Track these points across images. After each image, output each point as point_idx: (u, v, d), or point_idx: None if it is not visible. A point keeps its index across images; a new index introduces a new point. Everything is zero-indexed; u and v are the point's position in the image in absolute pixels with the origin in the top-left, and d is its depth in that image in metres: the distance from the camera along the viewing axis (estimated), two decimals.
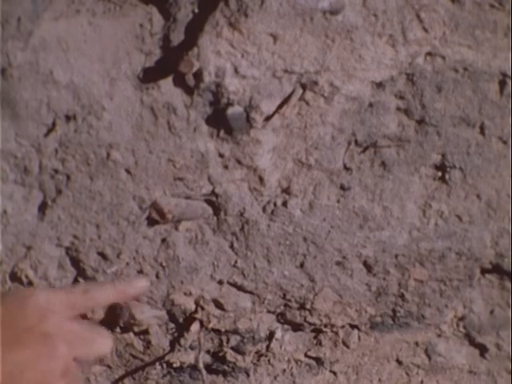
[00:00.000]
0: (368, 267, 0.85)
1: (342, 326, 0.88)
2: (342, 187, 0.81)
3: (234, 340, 0.88)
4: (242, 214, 0.81)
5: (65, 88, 0.73)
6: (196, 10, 0.73)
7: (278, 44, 0.74)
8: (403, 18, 0.74)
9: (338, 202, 0.82)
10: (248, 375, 0.90)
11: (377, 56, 0.75)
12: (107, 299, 0.62)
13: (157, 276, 0.82)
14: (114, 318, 0.84)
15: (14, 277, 0.80)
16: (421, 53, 0.76)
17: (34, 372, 0.64)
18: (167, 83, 0.74)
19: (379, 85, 0.77)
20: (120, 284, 0.64)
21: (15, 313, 0.62)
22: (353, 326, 0.89)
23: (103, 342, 0.62)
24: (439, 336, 0.91)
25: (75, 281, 0.82)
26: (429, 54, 0.76)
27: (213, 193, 0.80)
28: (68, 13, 0.71)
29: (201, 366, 0.88)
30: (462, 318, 0.89)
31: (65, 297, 0.62)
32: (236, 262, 0.83)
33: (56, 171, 0.75)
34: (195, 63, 0.73)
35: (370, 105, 0.78)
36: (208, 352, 0.89)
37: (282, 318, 0.87)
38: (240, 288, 0.85)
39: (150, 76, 0.74)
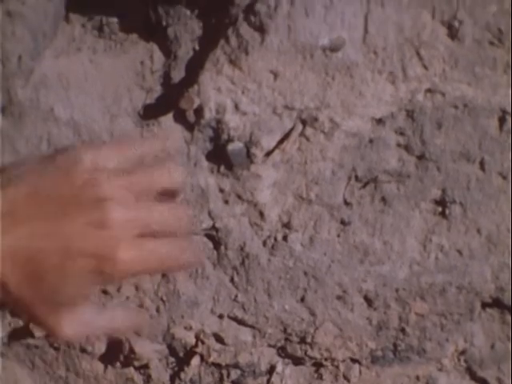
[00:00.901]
0: (369, 301, 0.84)
1: (343, 360, 0.87)
2: (343, 222, 0.80)
3: (235, 374, 0.86)
4: (242, 249, 0.80)
5: (65, 124, 0.72)
6: (197, 48, 0.72)
7: (278, 81, 0.73)
8: (403, 55, 0.73)
9: (339, 236, 0.81)
10: None
11: (377, 92, 0.75)
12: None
13: (157, 310, 0.81)
14: (114, 353, 0.83)
15: (14, 312, 0.79)
16: (421, 89, 0.75)
17: (86, 243, 0.60)
18: (168, 119, 0.74)
19: (379, 121, 0.76)
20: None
21: (60, 182, 0.59)
22: (354, 360, 0.87)
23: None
24: (440, 370, 0.89)
25: None
26: (429, 90, 0.75)
27: (213, 227, 0.79)
28: (69, 50, 0.71)
29: None
30: (462, 352, 0.88)
31: (115, 156, 0.59)
32: (236, 296, 0.82)
33: None
34: (196, 100, 0.72)
35: (370, 140, 0.77)
36: None
37: (282, 351, 0.86)
38: (240, 322, 0.83)
39: (150, 112, 0.74)
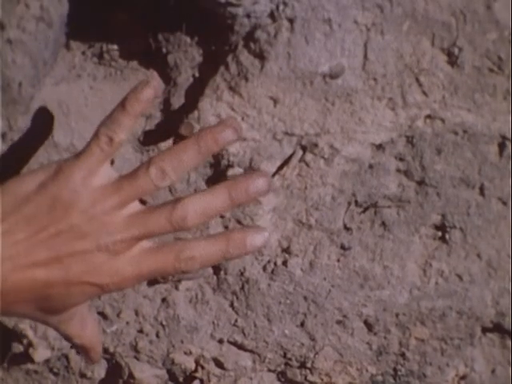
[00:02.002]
0: (369, 326, 0.83)
1: None
2: (343, 247, 0.79)
3: None
4: (242, 274, 0.79)
5: (65, 151, 0.71)
6: (196, 74, 0.72)
7: (278, 107, 0.72)
8: (403, 81, 0.73)
9: (339, 261, 0.80)
10: None
11: (376, 119, 0.74)
12: None
13: (157, 335, 0.80)
14: (114, 378, 0.82)
15: (14, 337, 0.78)
16: (420, 116, 0.74)
17: (87, 272, 0.61)
18: (168, 146, 0.73)
19: (379, 147, 0.75)
20: None
21: (59, 212, 0.60)
22: None
23: None
24: None
25: None
26: (428, 116, 0.75)
27: None
28: (69, 78, 0.71)
29: None
30: (463, 377, 0.87)
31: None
32: (236, 320, 0.81)
33: None
34: (195, 126, 0.72)
35: (370, 166, 0.76)
36: None
37: (282, 376, 0.85)
38: (240, 347, 0.82)
39: (150, 139, 0.73)
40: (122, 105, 0.62)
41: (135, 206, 0.62)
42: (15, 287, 0.59)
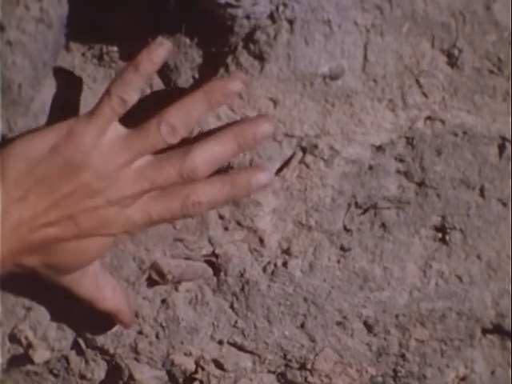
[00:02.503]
0: (368, 327, 0.83)
1: None
2: (342, 248, 0.79)
3: None
4: (242, 275, 0.79)
5: None
6: (196, 76, 0.71)
7: (278, 108, 0.72)
8: (403, 83, 0.73)
9: (339, 262, 0.80)
10: None
11: (376, 120, 0.74)
12: None
13: (157, 336, 0.80)
14: (114, 379, 0.82)
15: (14, 338, 0.78)
16: (420, 117, 0.74)
17: (99, 224, 0.63)
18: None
19: (379, 148, 0.75)
20: None
21: (66, 173, 0.62)
22: None
23: None
24: None
25: (75, 342, 0.80)
26: (428, 118, 0.74)
27: (213, 254, 0.78)
28: None
29: None
30: (463, 378, 0.86)
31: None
32: (236, 322, 0.81)
33: None
34: (195, 127, 0.71)
35: (370, 167, 0.76)
36: None
37: (282, 378, 0.85)
38: (240, 348, 0.82)
39: None
40: (135, 65, 0.62)
41: (144, 158, 0.63)
42: (28, 245, 0.60)
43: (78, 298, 0.69)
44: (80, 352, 0.80)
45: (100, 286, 0.70)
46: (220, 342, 0.82)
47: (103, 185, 0.62)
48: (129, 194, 0.63)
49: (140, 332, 0.80)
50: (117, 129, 0.63)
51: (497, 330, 0.85)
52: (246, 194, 0.70)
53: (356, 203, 0.78)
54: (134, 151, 0.63)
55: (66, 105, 0.70)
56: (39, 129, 0.66)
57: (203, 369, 0.82)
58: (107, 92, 0.63)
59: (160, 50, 0.63)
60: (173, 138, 0.64)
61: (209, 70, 0.70)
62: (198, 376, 0.83)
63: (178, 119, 0.63)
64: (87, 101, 0.70)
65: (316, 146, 0.74)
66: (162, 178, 0.64)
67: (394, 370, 0.85)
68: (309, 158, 0.75)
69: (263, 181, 0.68)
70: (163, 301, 0.79)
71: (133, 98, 0.63)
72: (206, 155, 0.65)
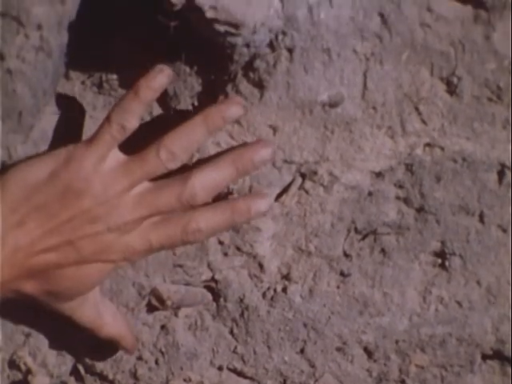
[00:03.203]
0: (368, 353, 0.82)
1: None
2: (342, 274, 0.79)
3: None
4: (241, 300, 0.78)
5: None
6: (196, 104, 0.71)
7: (277, 135, 0.72)
8: (402, 110, 0.72)
9: (338, 288, 0.79)
10: None
11: (376, 147, 0.74)
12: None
13: (156, 362, 0.80)
14: None
15: (13, 364, 0.77)
16: (420, 144, 0.74)
17: (99, 251, 0.62)
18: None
19: (378, 174, 0.75)
20: None
21: (67, 198, 0.62)
22: None
23: None
24: None
25: (74, 368, 0.79)
26: (428, 144, 0.74)
27: (212, 279, 0.77)
28: None
29: None
30: None
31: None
32: (236, 347, 0.80)
33: None
34: (195, 154, 0.71)
35: (370, 193, 0.76)
36: None
37: None
38: (240, 374, 0.82)
39: None
40: (135, 92, 0.62)
41: (144, 185, 0.63)
42: (27, 271, 0.60)
43: (78, 326, 0.69)
44: (79, 378, 0.80)
45: (100, 312, 0.69)
46: (220, 368, 0.81)
47: (103, 211, 0.62)
48: (128, 220, 0.63)
49: (139, 358, 0.79)
50: (116, 155, 0.63)
51: (497, 355, 0.84)
52: (246, 221, 0.69)
53: (355, 229, 0.77)
54: (134, 177, 0.63)
55: (68, 131, 0.70)
56: (38, 155, 0.66)
57: None
58: (107, 119, 0.63)
59: (160, 77, 0.63)
60: (173, 164, 0.64)
61: (208, 98, 0.70)
62: None
63: (178, 145, 0.63)
64: (87, 128, 0.70)
65: (315, 172, 0.74)
66: (161, 204, 0.64)
67: None
68: (308, 184, 0.74)
69: (263, 208, 0.68)
70: (163, 326, 0.79)
71: (132, 124, 0.63)
72: (204, 181, 0.64)
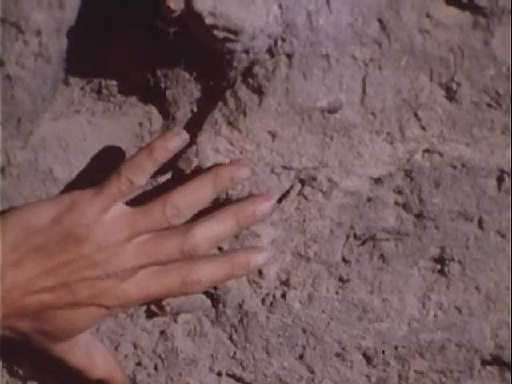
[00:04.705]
0: (368, 359, 0.81)
1: None
2: (341, 279, 0.78)
3: None
4: (240, 306, 0.78)
5: (64, 185, 0.71)
6: (195, 110, 0.71)
7: (276, 141, 0.71)
8: (401, 116, 0.72)
9: (337, 293, 0.79)
10: None
11: (375, 153, 0.73)
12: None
13: (155, 368, 0.79)
14: None
15: (11, 371, 0.77)
16: (419, 150, 0.73)
17: (94, 295, 0.63)
18: (166, 180, 0.72)
19: (377, 180, 0.74)
20: None
21: (65, 241, 0.61)
22: None
23: None
24: None
25: None
26: (427, 150, 0.74)
27: None
28: (68, 113, 0.70)
29: None
30: None
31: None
32: (235, 353, 0.80)
33: None
34: (194, 160, 0.71)
35: (369, 199, 0.75)
36: None
37: None
38: (239, 379, 0.81)
39: None
40: (149, 150, 0.62)
41: (145, 235, 0.63)
42: (21, 310, 0.60)
43: (68, 368, 0.68)
44: None
45: (91, 354, 0.69)
46: (219, 374, 0.81)
47: (103, 257, 0.62)
48: (127, 267, 0.63)
49: (138, 363, 0.79)
50: (120, 207, 0.63)
51: (496, 361, 0.84)
52: (244, 274, 0.71)
53: (354, 235, 0.77)
54: (137, 228, 0.63)
55: None
56: (43, 199, 0.67)
57: None
58: (117, 171, 0.63)
59: (176, 140, 0.64)
60: (177, 220, 0.64)
61: (207, 104, 0.70)
62: None
63: (184, 202, 0.64)
64: (87, 136, 0.70)
65: (314, 178, 0.73)
66: (162, 254, 0.64)
67: None
68: (307, 190, 0.74)
69: (261, 262, 0.69)
70: (162, 332, 0.78)
71: (141, 181, 0.63)
72: (206, 233, 0.65)
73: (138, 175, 0.62)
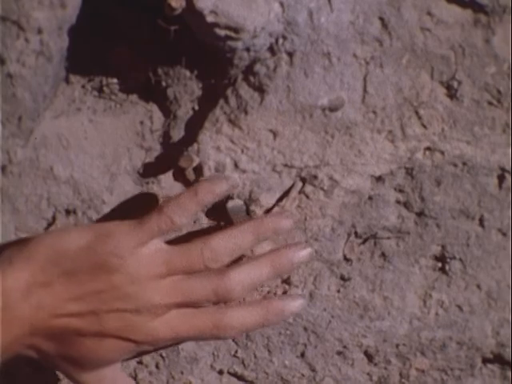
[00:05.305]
0: (369, 357, 0.81)
1: None
2: (342, 278, 0.78)
3: None
4: None
5: (65, 183, 0.70)
6: (196, 108, 0.70)
7: (277, 140, 0.71)
8: (402, 114, 0.72)
9: (339, 292, 0.78)
10: None
11: (376, 151, 0.73)
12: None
13: (157, 366, 0.79)
14: None
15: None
16: (420, 148, 0.73)
17: (121, 328, 0.61)
18: (167, 178, 0.72)
19: (379, 179, 0.74)
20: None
21: (96, 272, 0.60)
22: None
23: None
24: None
25: None
26: (428, 149, 0.73)
27: None
28: (69, 111, 0.70)
29: None
30: None
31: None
32: (236, 351, 0.79)
33: None
34: (195, 158, 0.70)
35: (370, 198, 0.75)
36: None
37: None
38: (240, 378, 0.81)
39: (150, 171, 0.72)
40: (195, 192, 0.61)
41: (180, 275, 0.62)
42: (47, 330, 0.59)
43: None
44: None
45: None
46: (220, 372, 0.80)
47: (134, 290, 0.60)
48: (159, 304, 0.61)
49: (140, 362, 0.78)
50: (157, 243, 0.62)
51: (497, 359, 0.84)
52: (278, 322, 0.70)
53: (356, 233, 0.77)
54: (172, 267, 0.62)
55: None
56: (79, 225, 0.66)
57: None
58: (159, 208, 0.62)
59: (223, 185, 0.63)
60: (214, 264, 0.63)
61: (208, 102, 0.69)
62: None
63: (223, 247, 0.63)
64: (88, 134, 0.70)
65: (316, 177, 0.73)
66: (195, 294, 0.62)
67: None
68: (308, 189, 0.74)
69: (295, 310, 0.68)
70: None
71: (182, 222, 0.62)
72: (242, 277, 0.64)
73: (180, 215, 0.61)
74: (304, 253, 0.66)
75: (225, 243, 0.62)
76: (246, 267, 0.64)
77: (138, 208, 0.68)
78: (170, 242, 0.65)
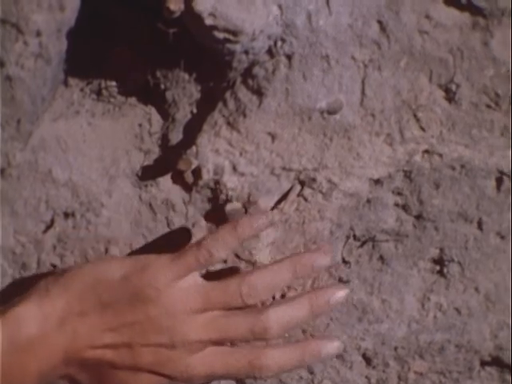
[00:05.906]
0: (367, 359, 0.81)
1: None
2: (341, 280, 0.78)
3: None
4: None
5: (63, 186, 0.70)
6: (194, 111, 0.70)
7: (276, 142, 0.71)
8: (400, 117, 0.71)
9: None
10: None
11: (374, 154, 0.73)
12: None
13: None
14: None
15: None
16: (418, 151, 0.73)
17: (156, 363, 0.60)
18: (166, 180, 0.72)
19: (377, 181, 0.74)
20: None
21: (134, 305, 0.60)
22: None
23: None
24: None
25: None
26: (426, 151, 0.73)
27: None
28: (67, 114, 0.69)
29: None
30: None
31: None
32: None
33: (54, 266, 0.72)
34: (193, 161, 0.70)
35: (368, 201, 0.75)
36: None
37: None
38: (239, 380, 0.80)
39: (148, 174, 0.72)
40: (234, 226, 0.61)
41: (217, 311, 0.62)
42: (82, 361, 0.58)
43: None
44: None
45: None
46: None
47: (170, 323, 0.60)
48: (195, 339, 0.60)
49: None
50: (195, 277, 0.62)
51: (496, 362, 0.83)
52: (314, 363, 0.71)
53: (354, 236, 0.77)
54: (209, 302, 0.61)
55: None
56: (117, 256, 0.66)
57: None
58: (198, 242, 0.62)
59: (263, 220, 0.63)
60: (252, 300, 0.62)
61: (207, 105, 0.69)
62: None
63: (261, 283, 0.63)
64: (86, 137, 0.69)
65: (314, 180, 0.73)
66: (232, 332, 0.62)
67: None
68: (307, 191, 0.74)
69: (332, 351, 0.67)
70: None
71: (221, 255, 0.62)
72: (280, 317, 0.63)
73: (219, 248, 0.61)
74: (341, 294, 0.66)
75: (263, 280, 0.62)
76: (283, 307, 0.64)
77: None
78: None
